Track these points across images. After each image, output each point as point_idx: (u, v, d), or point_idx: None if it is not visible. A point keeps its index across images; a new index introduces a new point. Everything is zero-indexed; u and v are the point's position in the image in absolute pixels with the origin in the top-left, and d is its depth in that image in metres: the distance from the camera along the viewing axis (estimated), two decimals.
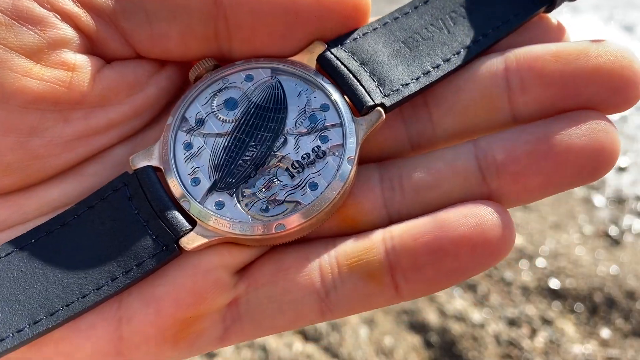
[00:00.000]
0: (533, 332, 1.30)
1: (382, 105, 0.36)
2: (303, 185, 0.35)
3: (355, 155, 0.36)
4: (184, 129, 0.37)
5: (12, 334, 0.32)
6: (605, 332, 1.30)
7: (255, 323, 0.36)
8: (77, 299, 0.33)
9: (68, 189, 0.37)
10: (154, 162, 0.36)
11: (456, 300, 1.36)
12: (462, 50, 0.37)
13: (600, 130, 0.33)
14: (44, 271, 0.34)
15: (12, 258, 0.34)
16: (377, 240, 0.36)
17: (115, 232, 0.35)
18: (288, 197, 0.35)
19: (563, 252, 1.48)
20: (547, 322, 1.32)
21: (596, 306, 1.35)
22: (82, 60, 0.35)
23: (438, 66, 0.37)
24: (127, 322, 0.34)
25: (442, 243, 0.34)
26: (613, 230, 1.55)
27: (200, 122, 0.37)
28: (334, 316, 0.36)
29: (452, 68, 0.37)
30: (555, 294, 1.39)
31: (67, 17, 0.35)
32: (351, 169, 0.36)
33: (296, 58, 0.38)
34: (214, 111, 0.37)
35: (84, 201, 0.36)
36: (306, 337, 1.27)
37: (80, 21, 0.35)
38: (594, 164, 0.33)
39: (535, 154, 0.34)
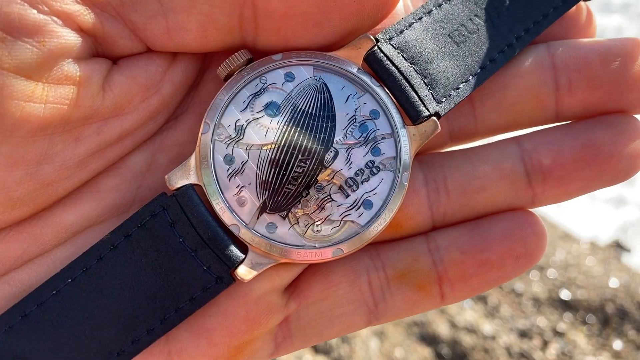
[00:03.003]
0: (545, 344, 1.29)
1: (436, 114, 0.35)
2: (358, 205, 0.34)
3: (409, 170, 0.34)
4: (222, 137, 0.33)
5: None
6: (617, 344, 1.29)
7: (305, 337, 0.37)
8: (132, 342, 0.31)
9: (85, 210, 0.33)
10: (193, 179, 0.33)
11: (467, 312, 1.35)
12: (506, 47, 0.36)
13: (637, 137, 0.36)
14: (90, 314, 0.31)
15: (50, 304, 0.31)
16: (424, 252, 0.37)
17: (161, 264, 0.32)
18: (345, 217, 0.34)
19: (574, 263, 1.47)
20: (558, 333, 1.31)
21: (608, 317, 1.34)
22: (87, 70, 0.31)
23: (485, 67, 0.36)
24: (177, 355, 0.33)
25: (489, 256, 0.36)
26: (624, 241, 1.54)
27: (241, 131, 0.34)
28: (379, 323, 0.37)
29: (499, 68, 0.36)
30: (566, 305, 1.38)
31: (67, 19, 0.30)
32: (406, 186, 0.34)
33: (340, 53, 0.35)
34: (255, 118, 0.34)
35: (118, 229, 0.32)
36: (316, 349, 1.26)
37: (83, 20, 0.31)
38: (629, 169, 0.36)
39: (581, 161, 0.36)
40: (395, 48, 0.35)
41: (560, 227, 1.60)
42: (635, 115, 0.37)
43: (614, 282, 1.41)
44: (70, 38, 0.30)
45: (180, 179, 0.33)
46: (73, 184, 0.33)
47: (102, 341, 0.31)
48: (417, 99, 0.34)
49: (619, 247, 1.53)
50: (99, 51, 0.32)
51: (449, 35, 0.36)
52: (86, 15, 0.31)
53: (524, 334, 1.31)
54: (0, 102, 0.29)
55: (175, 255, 0.32)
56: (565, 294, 1.39)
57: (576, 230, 1.59)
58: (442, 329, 1.31)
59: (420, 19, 0.36)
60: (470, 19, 0.36)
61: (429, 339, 1.29)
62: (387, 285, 0.37)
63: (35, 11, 0.29)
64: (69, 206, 0.33)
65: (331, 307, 0.36)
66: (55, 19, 0.30)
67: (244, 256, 0.32)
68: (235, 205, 0.33)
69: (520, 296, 1.40)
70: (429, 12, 0.36)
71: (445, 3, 0.36)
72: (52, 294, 0.31)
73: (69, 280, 0.31)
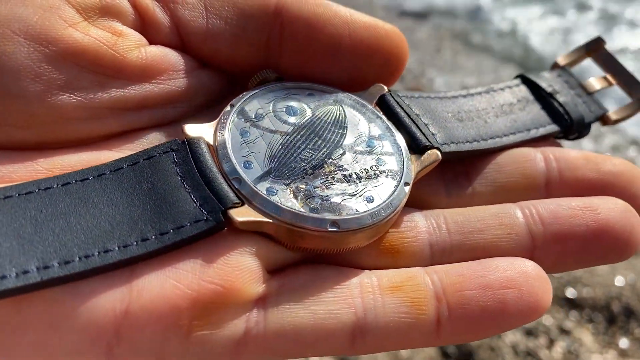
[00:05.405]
0: (551, 343, 1.29)
1: (438, 149, 0.38)
2: (359, 195, 0.35)
3: (411, 182, 0.36)
4: (242, 118, 0.37)
5: (17, 273, 0.27)
6: (623, 342, 1.29)
7: (279, 332, 0.31)
8: (98, 252, 0.28)
9: (88, 159, 0.33)
10: (208, 138, 0.35)
11: None
12: (502, 136, 0.42)
13: (630, 212, 0.36)
14: (66, 217, 0.29)
15: (32, 197, 0.29)
16: (421, 272, 0.34)
17: (154, 194, 0.31)
18: (344, 201, 0.34)
19: None
20: (564, 332, 1.31)
21: (614, 316, 1.34)
22: (129, 30, 0.35)
23: (479, 141, 0.40)
24: (137, 293, 0.29)
25: (489, 281, 0.33)
26: None
27: (260, 117, 0.37)
28: (364, 344, 0.32)
29: (497, 146, 0.41)
30: (572, 304, 1.38)
31: None
32: (407, 194, 0.36)
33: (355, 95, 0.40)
34: (275, 111, 0.37)
35: (125, 158, 0.33)
36: None
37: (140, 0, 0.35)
38: (625, 243, 0.36)
39: (577, 218, 0.36)
40: (405, 100, 0.40)
41: None
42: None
43: (619, 281, 1.41)
44: (125, 5, 0.35)
45: (196, 131, 0.35)
46: (85, 130, 0.34)
47: (68, 243, 0.29)
48: (421, 134, 0.38)
49: None
50: (143, 31, 0.36)
51: (451, 113, 0.41)
52: None
53: (530, 333, 1.31)
54: (51, 15, 0.32)
55: (171, 190, 0.32)
56: (571, 293, 1.39)
57: None
58: None
59: (426, 97, 0.41)
60: (469, 112, 0.42)
61: None
62: (379, 294, 0.33)
63: None
64: (73, 151, 0.34)
65: (315, 300, 0.32)
66: None
67: (240, 202, 0.32)
68: (241, 164, 0.34)
69: None
70: (433, 98, 0.42)
71: (447, 99, 0.42)
72: (37, 189, 0.30)
73: (60, 185, 0.31)
